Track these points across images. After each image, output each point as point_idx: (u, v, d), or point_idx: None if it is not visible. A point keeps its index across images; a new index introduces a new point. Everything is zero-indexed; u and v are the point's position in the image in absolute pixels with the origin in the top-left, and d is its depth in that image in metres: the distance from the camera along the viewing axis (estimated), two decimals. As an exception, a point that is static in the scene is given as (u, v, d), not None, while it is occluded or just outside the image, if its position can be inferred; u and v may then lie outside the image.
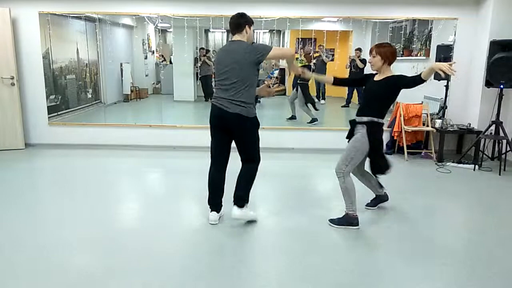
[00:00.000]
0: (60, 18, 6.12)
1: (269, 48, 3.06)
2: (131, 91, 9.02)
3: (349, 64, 7.51)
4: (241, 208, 3.27)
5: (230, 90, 3.10)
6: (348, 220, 3.34)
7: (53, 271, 2.63)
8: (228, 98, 3.10)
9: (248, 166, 3.31)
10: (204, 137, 6.01)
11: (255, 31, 11.45)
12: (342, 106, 8.41)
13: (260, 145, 3.34)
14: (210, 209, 3.41)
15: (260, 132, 3.32)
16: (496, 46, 5.19)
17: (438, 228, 3.49)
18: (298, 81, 7.13)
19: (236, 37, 3.19)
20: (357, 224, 3.34)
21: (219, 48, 3.36)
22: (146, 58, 9.96)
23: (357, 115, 3.35)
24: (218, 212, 3.41)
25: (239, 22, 3.16)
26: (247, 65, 3.05)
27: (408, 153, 5.69)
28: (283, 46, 8.34)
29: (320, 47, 7.92)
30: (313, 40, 6.95)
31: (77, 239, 3.09)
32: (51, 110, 6.07)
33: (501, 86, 5.10)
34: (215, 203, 3.39)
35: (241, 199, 3.27)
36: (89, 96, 7.57)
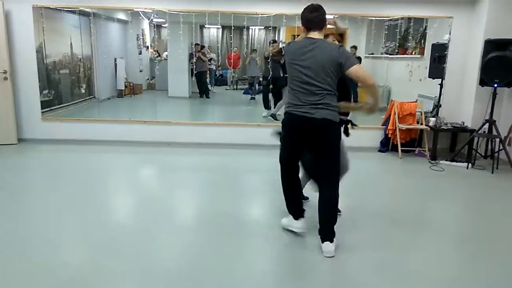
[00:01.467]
0: (54, 12, 6.06)
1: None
2: (125, 86, 8.97)
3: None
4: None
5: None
6: None
7: (42, 268, 2.61)
8: None
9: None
10: (199, 133, 6.05)
11: (251, 27, 11.45)
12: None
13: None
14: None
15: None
16: (491, 45, 5.22)
17: (430, 226, 3.51)
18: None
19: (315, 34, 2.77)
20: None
21: None
22: (140, 53, 9.90)
23: None
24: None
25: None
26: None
27: (402, 151, 5.71)
28: (276, 42, 8.30)
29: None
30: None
31: (68, 236, 3.07)
32: (44, 105, 6.01)
33: (495, 85, 5.13)
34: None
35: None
36: (83, 91, 7.51)
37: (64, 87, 6.85)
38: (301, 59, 2.73)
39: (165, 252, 2.87)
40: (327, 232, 2.84)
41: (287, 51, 2.88)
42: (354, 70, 2.62)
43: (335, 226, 2.88)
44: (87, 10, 6.07)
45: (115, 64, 8.61)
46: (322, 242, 2.85)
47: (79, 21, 6.94)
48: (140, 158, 5.40)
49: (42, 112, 5.93)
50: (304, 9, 2.79)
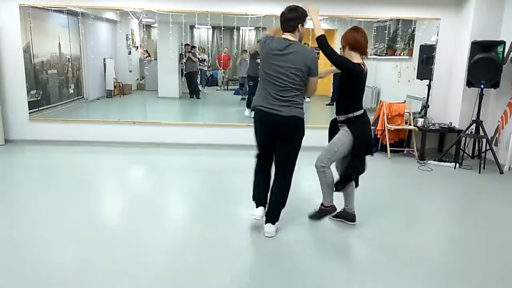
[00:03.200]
0: (42, 11, 5.99)
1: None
2: (114, 87, 8.89)
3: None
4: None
5: None
6: (327, 213, 3.38)
7: (30, 269, 2.58)
8: None
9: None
10: (189, 134, 6.03)
11: (241, 28, 11.44)
12: (327, 104, 8.47)
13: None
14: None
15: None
16: (477, 47, 5.29)
17: (417, 225, 3.55)
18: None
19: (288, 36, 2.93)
20: (353, 220, 3.38)
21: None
22: (130, 53, 9.83)
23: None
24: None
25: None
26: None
27: (391, 151, 5.77)
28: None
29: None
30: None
31: (56, 236, 3.04)
32: (32, 105, 5.94)
33: (482, 86, 5.20)
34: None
35: None
36: (71, 91, 7.44)
37: (52, 87, 6.78)
38: (275, 58, 2.87)
39: (154, 251, 2.86)
40: (272, 215, 3.12)
41: (263, 46, 2.98)
42: (316, 80, 2.95)
43: (282, 212, 3.15)
44: (76, 9, 6.00)
45: (104, 64, 8.53)
46: (265, 223, 3.12)
47: (67, 20, 6.87)
48: (129, 159, 5.36)
49: (29, 113, 5.86)
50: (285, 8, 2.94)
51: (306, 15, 2.96)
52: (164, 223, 3.44)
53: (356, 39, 3.05)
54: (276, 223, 3.13)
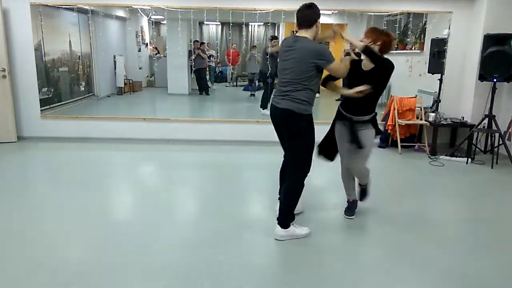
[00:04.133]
0: (52, 9, 6.04)
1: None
2: (125, 84, 8.96)
3: (343, 57, 7.48)
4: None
5: None
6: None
7: (42, 265, 2.62)
8: None
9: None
10: (198, 130, 6.05)
11: (250, 24, 11.41)
12: (337, 100, 8.41)
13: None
14: None
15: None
16: (490, 40, 5.21)
17: (430, 221, 3.52)
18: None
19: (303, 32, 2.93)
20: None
21: None
22: (139, 50, 9.88)
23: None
24: None
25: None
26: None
27: (401, 146, 5.71)
28: (277, 38, 8.24)
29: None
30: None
31: (69, 232, 3.08)
32: (43, 103, 6.01)
33: (494, 80, 5.12)
34: None
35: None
36: (82, 88, 7.51)
37: (63, 84, 6.85)
38: (284, 54, 2.95)
39: (165, 247, 2.88)
40: (279, 217, 3.02)
41: (280, 46, 3.13)
42: (334, 66, 2.89)
43: (296, 217, 3.08)
44: (86, 7, 6.05)
45: (114, 62, 8.59)
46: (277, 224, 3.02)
47: (78, 18, 6.92)
48: (139, 155, 5.40)
49: (41, 110, 5.93)
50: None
51: (319, 13, 2.93)
52: (176, 218, 3.46)
53: (391, 45, 3.13)
54: (290, 229, 2.99)
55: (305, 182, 3.01)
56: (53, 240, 2.94)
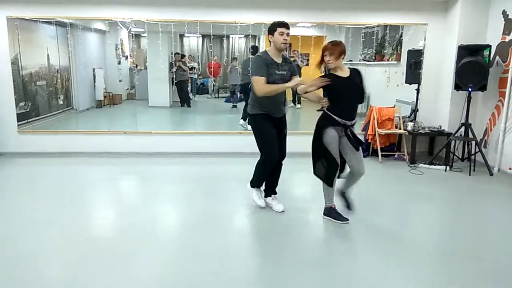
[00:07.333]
0: (30, 22, 5.96)
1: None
2: (104, 97, 8.87)
3: (323, 68, 7.60)
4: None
5: None
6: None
7: (21, 282, 2.54)
8: None
9: None
10: (180, 143, 6.01)
11: (231, 36, 11.47)
12: (317, 110, 8.50)
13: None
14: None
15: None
16: (464, 51, 5.36)
17: (410, 228, 3.56)
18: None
19: None
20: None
21: None
22: (119, 63, 9.81)
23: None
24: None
25: None
26: None
27: (382, 155, 5.80)
28: (257, 51, 8.32)
29: (295, 52, 8.00)
30: (288, 45, 7.02)
31: (48, 249, 3.00)
32: (20, 117, 5.88)
33: (469, 89, 5.27)
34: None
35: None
36: (61, 102, 7.39)
37: (41, 98, 6.73)
38: None
39: (148, 262, 2.83)
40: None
41: None
42: (253, 80, 3.65)
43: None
44: (64, 20, 5.98)
45: (94, 75, 8.50)
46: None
47: (56, 31, 6.84)
48: (120, 170, 5.32)
49: (18, 125, 5.80)
50: None
51: (275, 28, 3.76)
52: (158, 233, 3.40)
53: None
54: (252, 190, 3.84)
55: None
56: (31, 258, 2.86)
